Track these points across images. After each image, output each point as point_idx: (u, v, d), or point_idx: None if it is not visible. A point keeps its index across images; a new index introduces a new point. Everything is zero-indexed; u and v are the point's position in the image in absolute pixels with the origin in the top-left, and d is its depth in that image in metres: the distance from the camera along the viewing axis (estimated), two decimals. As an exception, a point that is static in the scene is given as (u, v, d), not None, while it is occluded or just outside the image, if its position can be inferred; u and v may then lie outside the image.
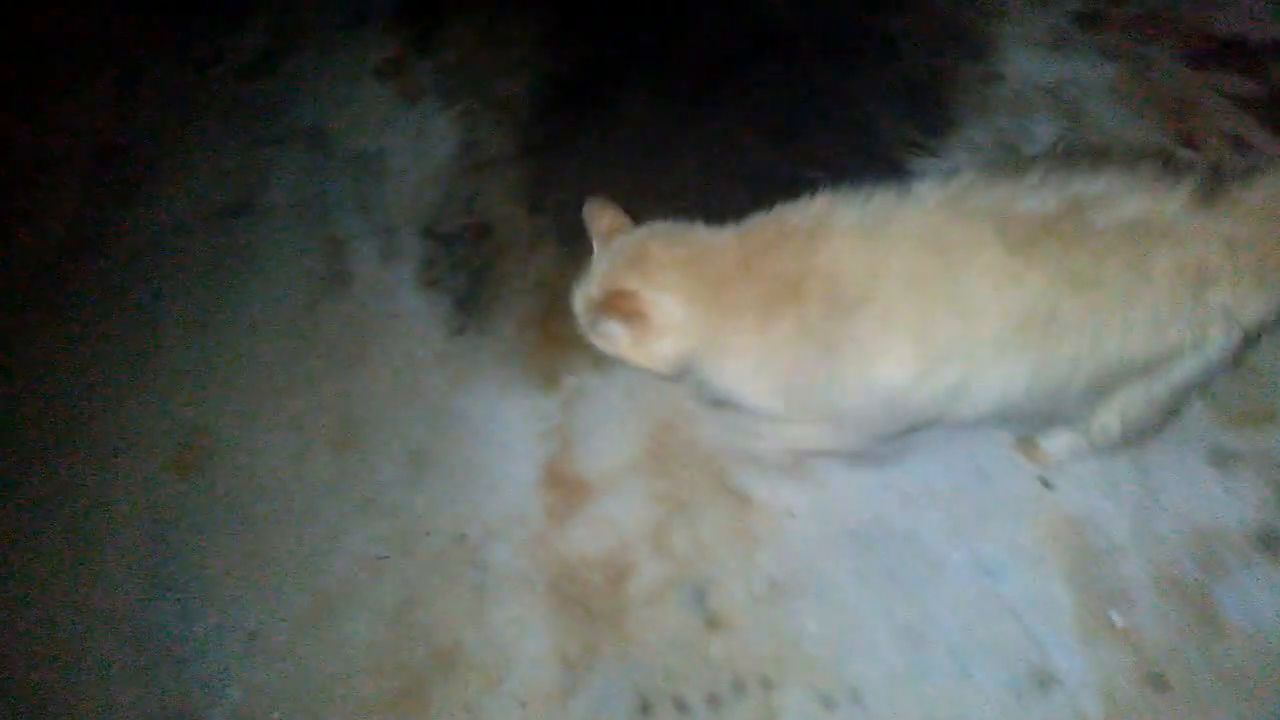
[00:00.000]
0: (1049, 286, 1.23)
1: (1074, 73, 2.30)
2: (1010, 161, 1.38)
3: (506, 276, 2.27)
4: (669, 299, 1.43)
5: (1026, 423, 1.55)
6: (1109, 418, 1.48)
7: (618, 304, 1.42)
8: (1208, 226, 1.22)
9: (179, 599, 1.91)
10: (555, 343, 2.11)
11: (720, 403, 1.71)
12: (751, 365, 1.46)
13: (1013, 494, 1.71)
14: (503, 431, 2.03)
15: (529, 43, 2.73)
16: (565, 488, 1.91)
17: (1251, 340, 1.31)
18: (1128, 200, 1.23)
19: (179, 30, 3.05)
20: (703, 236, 1.48)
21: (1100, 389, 1.37)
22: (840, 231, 1.35)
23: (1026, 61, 2.35)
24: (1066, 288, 1.23)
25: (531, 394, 2.07)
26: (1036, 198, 1.26)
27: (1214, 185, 1.24)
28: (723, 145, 2.38)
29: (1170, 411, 1.48)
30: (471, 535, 1.89)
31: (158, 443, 2.14)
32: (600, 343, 1.53)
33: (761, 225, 1.44)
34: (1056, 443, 1.67)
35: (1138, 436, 1.54)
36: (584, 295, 1.50)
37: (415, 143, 2.58)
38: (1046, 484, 1.70)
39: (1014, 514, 1.69)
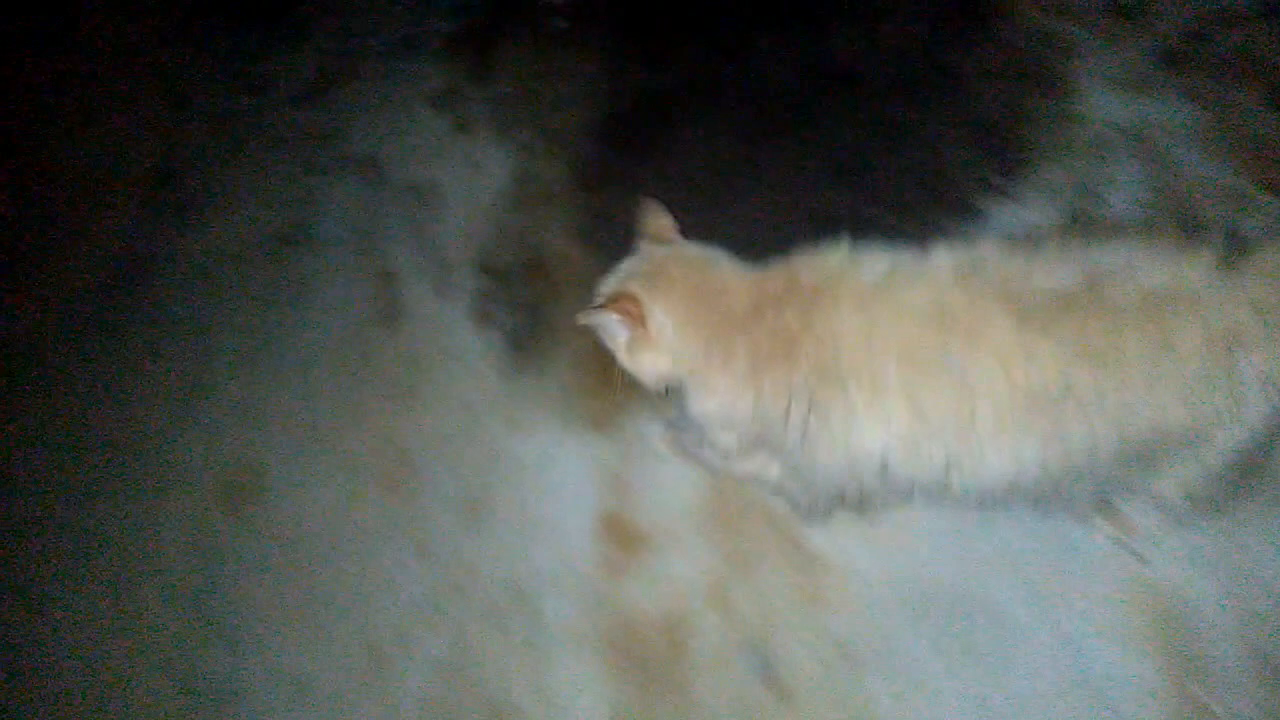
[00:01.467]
0: (1063, 362, 1.21)
1: (1155, 114, 2.25)
2: (1028, 235, 1.38)
3: (562, 315, 2.24)
4: (669, 321, 1.46)
5: (1067, 499, 1.47)
6: (1167, 488, 1.44)
7: (622, 305, 1.45)
8: (1233, 292, 1.20)
9: (226, 641, 1.91)
10: (612, 387, 2.06)
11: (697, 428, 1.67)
12: (732, 409, 1.47)
13: (1100, 565, 1.66)
14: (559, 478, 2.01)
15: (586, 74, 2.71)
16: (623, 539, 1.88)
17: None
18: (1147, 272, 1.22)
19: (231, 53, 3.07)
20: (723, 271, 1.49)
21: (1141, 462, 1.33)
22: (846, 293, 1.35)
23: (1105, 101, 2.29)
24: (1082, 363, 1.21)
25: (589, 439, 2.05)
26: (1051, 272, 1.24)
27: (1235, 250, 1.22)
28: (787, 182, 2.35)
29: (1235, 478, 1.41)
30: (526, 586, 1.87)
31: (206, 478, 2.14)
32: (601, 336, 1.56)
33: (776, 273, 1.44)
34: (1142, 512, 1.59)
35: (1208, 506, 1.50)
36: (601, 285, 1.54)
37: (469, 174, 2.56)
38: (1136, 556, 1.63)
39: (1101, 586, 1.64)
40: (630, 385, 1.59)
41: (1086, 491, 1.41)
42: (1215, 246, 1.23)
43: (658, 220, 1.58)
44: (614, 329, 1.50)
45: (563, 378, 2.16)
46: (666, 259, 1.52)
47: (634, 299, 1.45)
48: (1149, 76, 2.32)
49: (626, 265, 1.55)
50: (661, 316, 1.46)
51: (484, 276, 2.37)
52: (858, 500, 1.51)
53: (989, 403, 1.25)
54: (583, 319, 1.51)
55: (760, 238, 1.60)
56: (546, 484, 2.02)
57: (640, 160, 2.53)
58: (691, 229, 1.64)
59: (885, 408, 1.30)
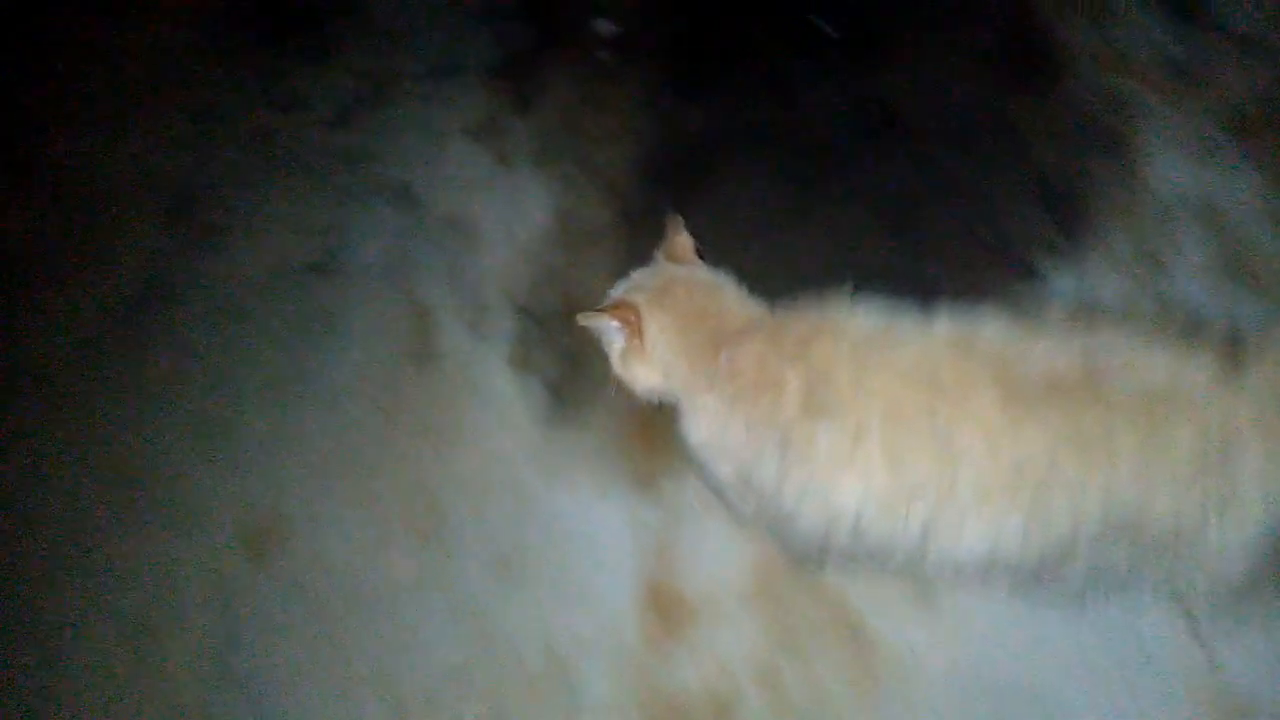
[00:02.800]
0: (1049, 444, 1.21)
1: (1223, 183, 2.22)
2: (1034, 312, 1.36)
3: (604, 366, 2.17)
4: (663, 337, 1.52)
5: (1056, 583, 1.45)
6: (1189, 576, 1.39)
7: (621, 313, 1.52)
8: (1234, 398, 1.20)
9: (248, 697, 1.88)
10: (655, 442, 2.03)
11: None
12: (722, 437, 1.49)
13: (1173, 667, 1.62)
14: (598, 538, 1.96)
15: (631, 109, 2.67)
16: (666, 608, 1.84)
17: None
18: (1147, 368, 1.22)
19: (263, 69, 3.03)
20: (727, 299, 1.55)
21: (1131, 555, 1.31)
22: (841, 341, 1.36)
23: (1170, 167, 2.26)
24: (1069, 448, 1.21)
25: (630, 498, 2.00)
26: (1049, 354, 1.25)
27: (1239, 353, 1.22)
28: (837, 233, 2.31)
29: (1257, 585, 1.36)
30: (563, 653, 1.84)
31: (228, 521, 2.09)
32: (601, 340, 1.61)
33: (782, 312, 1.49)
34: (1213, 610, 1.55)
35: (1238, 596, 1.43)
36: (611, 290, 1.60)
37: (508, 209, 2.52)
38: (1212, 659, 1.58)
39: (1173, 690, 1.60)
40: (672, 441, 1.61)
41: (1078, 577, 1.37)
42: (1218, 347, 1.23)
43: (678, 238, 1.63)
44: (612, 335, 1.56)
45: (603, 431, 2.11)
46: (675, 277, 1.57)
47: (634, 309, 1.51)
48: (1217, 143, 2.29)
49: (636, 275, 1.61)
50: (657, 331, 1.51)
51: (522, 318, 2.32)
52: (843, 555, 1.51)
53: (971, 472, 1.25)
54: (582, 320, 1.56)
55: (805, 287, 1.60)
56: (585, 543, 1.97)
57: (685, 201, 2.46)
58: (734, 272, 1.64)
59: (866, 461, 1.30)
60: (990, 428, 1.23)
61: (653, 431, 2.02)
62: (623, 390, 1.65)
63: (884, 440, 1.29)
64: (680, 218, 1.65)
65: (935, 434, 1.26)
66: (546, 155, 2.65)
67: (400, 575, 1.98)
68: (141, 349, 2.42)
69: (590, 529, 1.99)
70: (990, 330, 1.30)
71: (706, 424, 1.50)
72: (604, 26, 2.92)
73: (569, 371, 2.22)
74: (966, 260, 2.20)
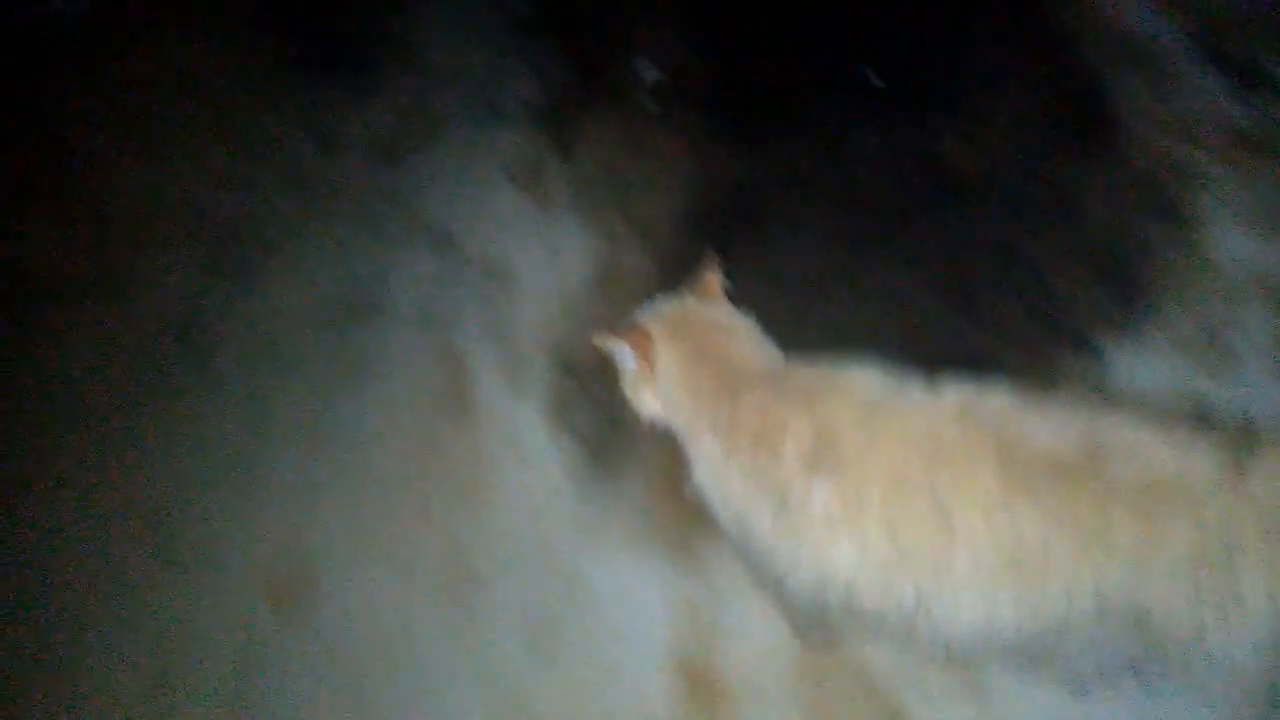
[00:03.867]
0: (1044, 526, 1.18)
1: (1290, 259, 2.12)
2: (1044, 388, 1.32)
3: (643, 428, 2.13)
4: (672, 370, 1.52)
5: (1059, 669, 1.48)
6: (1204, 675, 1.29)
7: (635, 338, 1.54)
8: (1239, 499, 1.14)
9: (265, 757, 1.78)
10: (694, 511, 1.97)
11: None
12: (715, 482, 1.49)
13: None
14: (632, 609, 1.92)
15: (676, 157, 2.65)
16: (701, 688, 1.81)
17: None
18: (1151, 457, 1.18)
19: (305, 101, 3.04)
20: (744, 345, 1.53)
21: (1129, 648, 1.26)
22: (852, 396, 1.35)
23: (1233, 240, 2.21)
24: (1064, 532, 1.17)
25: (666, 568, 1.96)
26: (1053, 434, 1.21)
27: (1249, 453, 1.16)
28: (889, 300, 2.27)
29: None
30: (594, 730, 1.73)
31: (254, 568, 2.07)
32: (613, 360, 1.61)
33: (795, 364, 1.48)
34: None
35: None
36: (635, 313, 1.61)
37: (549, 257, 2.49)
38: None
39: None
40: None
41: (1077, 663, 1.35)
42: (1230, 441, 1.18)
43: (709, 275, 1.62)
44: (624, 358, 1.57)
45: (641, 496, 2.07)
46: (696, 314, 1.58)
47: (647, 336, 1.52)
48: (1282, 217, 2.20)
49: (659, 304, 1.61)
50: (666, 363, 1.52)
51: (560, 373, 2.29)
52: (837, 621, 1.48)
53: (967, 548, 1.22)
54: (598, 340, 1.59)
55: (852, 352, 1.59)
56: (619, 614, 1.92)
57: (729, 257, 2.41)
58: (783, 343, 1.60)
59: (863, 527, 1.28)
60: (989, 504, 1.20)
61: (692, 496, 1.97)
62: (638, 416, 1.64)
63: (884, 507, 1.26)
64: (716, 255, 1.65)
65: (935, 506, 1.23)
66: (587, 202, 2.62)
67: (427, 636, 1.94)
68: (176, 388, 2.41)
69: (624, 599, 1.94)
70: (997, 402, 1.28)
71: (705, 467, 1.50)
72: (647, 69, 2.89)
73: (606, 430, 2.18)
74: (1021, 331, 2.15)
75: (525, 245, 2.58)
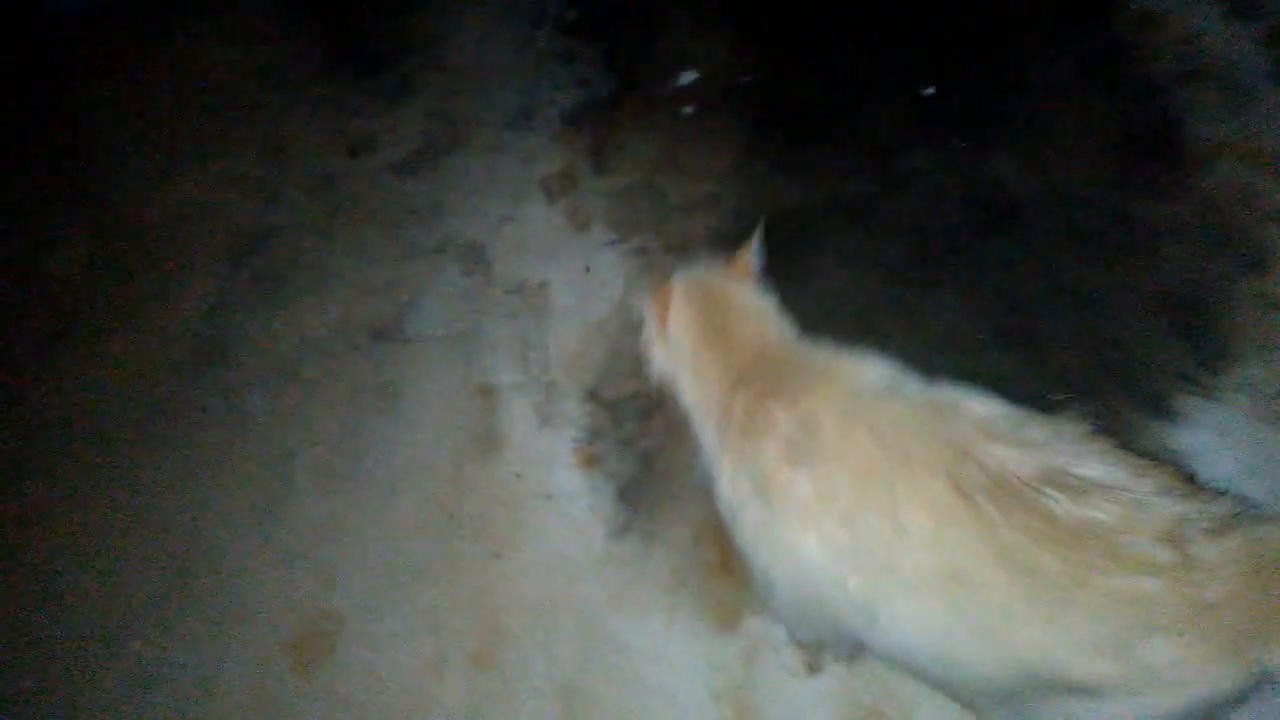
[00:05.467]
0: (977, 545, 1.10)
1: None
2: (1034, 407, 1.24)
3: (678, 469, 1.89)
4: (683, 342, 1.47)
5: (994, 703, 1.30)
6: None
7: (661, 295, 1.49)
8: (1175, 570, 1.03)
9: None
10: (736, 567, 1.72)
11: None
12: (714, 469, 1.42)
13: None
14: (668, 678, 1.69)
15: (715, 175, 2.35)
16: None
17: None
18: (1105, 501, 1.08)
19: (333, 105, 2.75)
20: (755, 330, 1.45)
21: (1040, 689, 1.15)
22: (840, 388, 1.28)
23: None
24: (992, 556, 1.10)
25: (706, 633, 1.72)
26: (1016, 453, 1.13)
27: (1199, 525, 1.06)
28: (939, 334, 1.98)
29: None
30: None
31: (276, 619, 1.85)
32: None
33: (802, 351, 1.41)
34: None
35: None
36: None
37: (581, 280, 2.21)
38: None
39: None
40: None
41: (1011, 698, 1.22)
42: (1184, 511, 1.07)
43: (746, 254, 1.54)
44: (646, 311, 1.52)
45: (677, 549, 1.83)
46: (724, 287, 1.50)
47: (668, 295, 1.48)
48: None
49: (696, 268, 1.54)
50: (678, 330, 1.47)
51: (593, 407, 2.03)
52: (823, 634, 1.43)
53: (913, 553, 1.15)
54: (635, 302, 1.54)
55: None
56: (653, 682, 1.70)
57: (772, 285, 2.12)
58: None
59: (830, 521, 1.22)
60: (938, 512, 1.13)
61: (733, 552, 1.71)
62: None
63: (849, 500, 1.20)
64: (762, 229, 1.56)
65: (891, 505, 1.17)
66: (622, 221, 2.34)
67: (452, 700, 1.74)
68: (197, 413, 2.17)
69: (658, 664, 1.73)
70: (982, 412, 1.20)
71: (705, 454, 1.44)
72: (689, 76, 2.56)
73: (641, 473, 1.93)
74: (1088, 384, 1.87)
75: (556, 264, 2.30)
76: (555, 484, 1.97)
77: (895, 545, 1.17)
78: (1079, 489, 1.10)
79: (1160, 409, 1.83)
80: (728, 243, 1.63)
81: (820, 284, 2.13)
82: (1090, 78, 2.30)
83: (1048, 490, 1.10)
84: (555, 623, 1.80)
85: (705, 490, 1.48)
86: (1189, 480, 1.13)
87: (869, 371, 1.31)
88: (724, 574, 1.79)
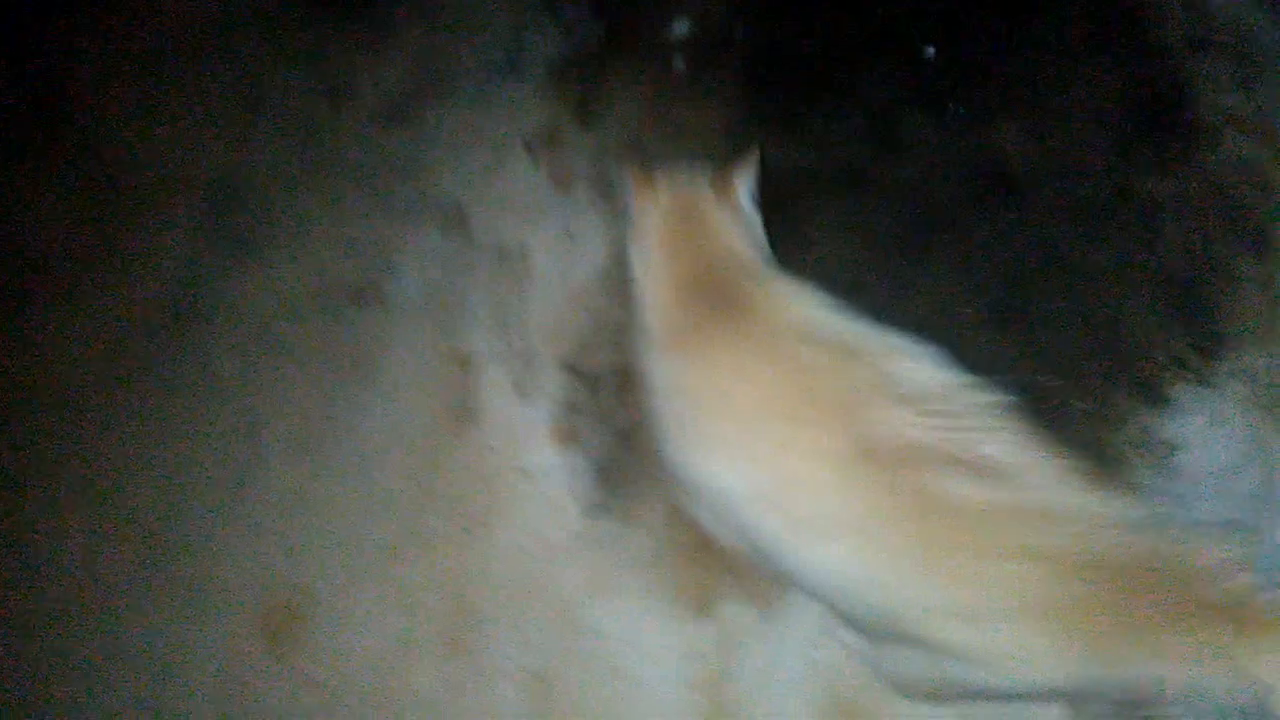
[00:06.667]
0: (872, 504, 1.09)
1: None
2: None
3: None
4: (652, 233, 1.42)
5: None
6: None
7: (639, 177, 1.44)
8: (1044, 558, 1.01)
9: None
10: (713, 552, 1.59)
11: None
12: (642, 346, 1.38)
13: None
14: (642, 666, 1.59)
15: (706, 134, 2.13)
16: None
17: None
18: (997, 482, 1.05)
19: (311, 49, 2.50)
20: (732, 247, 1.40)
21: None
22: (778, 321, 1.25)
23: (1324, 273, 1.69)
24: (885, 516, 1.08)
25: (681, 619, 1.62)
26: (925, 419, 1.10)
27: (1087, 519, 1.04)
28: (932, 311, 1.84)
29: None
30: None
31: (247, 596, 1.73)
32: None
33: (764, 279, 1.36)
34: None
35: None
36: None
37: (563, 245, 2.03)
38: None
39: None
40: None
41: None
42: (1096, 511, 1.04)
43: (733, 173, 1.46)
44: (625, 180, 1.47)
45: (653, 530, 1.72)
46: (703, 198, 1.44)
47: (650, 183, 1.43)
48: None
49: (683, 172, 1.46)
50: (649, 223, 1.42)
51: (571, 379, 1.87)
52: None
53: (815, 502, 1.14)
54: (624, 171, 1.48)
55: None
56: (627, 668, 1.59)
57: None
58: None
59: (744, 459, 1.20)
60: (840, 467, 1.11)
61: (709, 537, 1.58)
62: None
63: (762, 442, 1.18)
64: (757, 153, 1.49)
65: (799, 454, 1.14)
66: (608, 183, 2.10)
67: (423, 685, 1.63)
68: (169, 376, 2.01)
69: (632, 650, 1.63)
70: (904, 371, 1.17)
71: (645, 360, 1.39)
72: (681, 26, 2.32)
73: (619, 450, 1.78)
74: (1079, 366, 1.71)
75: (540, 227, 2.11)
76: (531, 459, 1.83)
77: (800, 493, 1.15)
78: (977, 466, 1.07)
79: (1152, 395, 1.69)
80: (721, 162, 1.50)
81: (811, 252, 1.97)
82: (1097, 41, 2.09)
83: (946, 462, 1.07)
84: (529, 605, 1.69)
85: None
86: (1102, 475, 1.11)
87: (809, 308, 1.27)
88: (700, 557, 1.66)
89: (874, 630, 1.29)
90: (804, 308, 1.27)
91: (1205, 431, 1.68)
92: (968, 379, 1.18)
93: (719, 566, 1.65)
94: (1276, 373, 1.71)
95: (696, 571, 1.68)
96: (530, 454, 1.84)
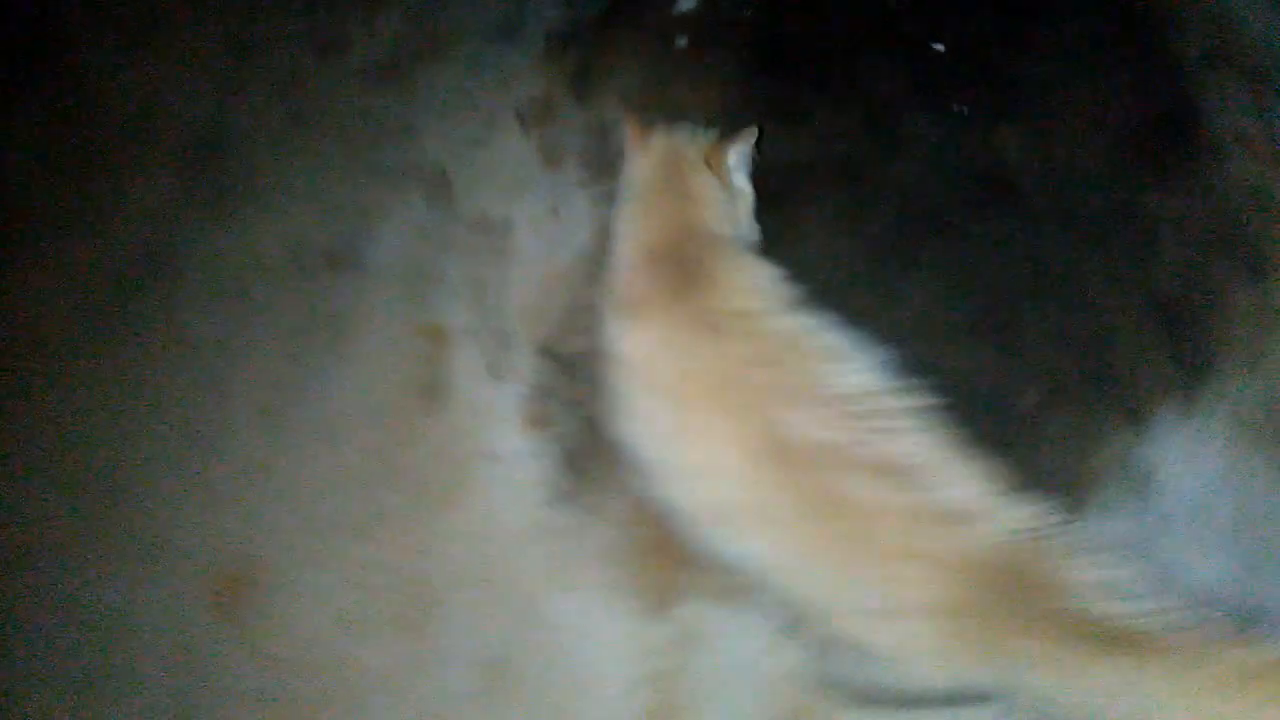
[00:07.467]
0: (780, 494, 1.11)
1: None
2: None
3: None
4: (635, 186, 1.44)
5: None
6: None
7: (643, 127, 1.47)
8: (936, 561, 1.04)
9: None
10: (673, 550, 1.54)
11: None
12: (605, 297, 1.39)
13: None
14: (597, 659, 1.55)
15: (701, 117, 1.99)
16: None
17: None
18: (902, 483, 1.07)
19: (305, 1, 2.32)
20: (706, 218, 1.39)
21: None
22: (726, 304, 1.25)
23: (1319, 301, 1.62)
24: (791, 507, 1.11)
25: (638, 616, 1.57)
26: (839, 417, 1.13)
27: (987, 526, 1.06)
28: (915, 316, 1.77)
29: None
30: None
31: (201, 562, 1.67)
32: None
33: (727, 256, 1.35)
34: None
35: None
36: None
37: (548, 222, 1.95)
38: None
39: None
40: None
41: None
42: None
43: (726, 147, 1.46)
44: (622, 125, 1.49)
45: (617, 523, 1.67)
46: (692, 165, 1.43)
47: (645, 134, 1.45)
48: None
49: (680, 133, 1.48)
50: (636, 175, 1.45)
51: (544, 362, 1.80)
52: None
53: (728, 486, 1.17)
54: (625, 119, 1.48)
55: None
56: (582, 662, 1.55)
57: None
58: None
59: (673, 437, 1.24)
60: (751, 455, 1.12)
61: (672, 530, 1.52)
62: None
63: (689, 423, 1.21)
64: (756, 131, 1.49)
65: (718, 438, 1.16)
66: (597, 159, 2.03)
67: (377, 664, 1.56)
68: (138, 329, 1.93)
69: (588, 644, 1.59)
70: (830, 368, 1.19)
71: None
72: (687, 5, 2.22)
73: (589, 439, 1.72)
74: (1061, 383, 1.64)
75: (526, 201, 2.03)
76: (499, 442, 1.77)
77: (711, 479, 1.19)
78: (884, 468, 1.08)
79: (1133, 417, 1.62)
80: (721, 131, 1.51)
81: (800, 250, 1.87)
82: (1111, 49, 1.99)
83: (854, 464, 1.09)
84: (486, 592, 1.64)
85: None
86: (1011, 484, 1.11)
87: (760, 299, 1.28)
88: (661, 555, 1.60)
89: (813, 628, 1.30)
90: (756, 298, 1.28)
91: (1184, 457, 1.61)
92: (895, 383, 1.19)
93: (680, 565, 1.59)
94: (1261, 401, 1.64)
95: (657, 569, 1.62)
96: (498, 437, 1.78)
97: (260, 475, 1.75)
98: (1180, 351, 1.70)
